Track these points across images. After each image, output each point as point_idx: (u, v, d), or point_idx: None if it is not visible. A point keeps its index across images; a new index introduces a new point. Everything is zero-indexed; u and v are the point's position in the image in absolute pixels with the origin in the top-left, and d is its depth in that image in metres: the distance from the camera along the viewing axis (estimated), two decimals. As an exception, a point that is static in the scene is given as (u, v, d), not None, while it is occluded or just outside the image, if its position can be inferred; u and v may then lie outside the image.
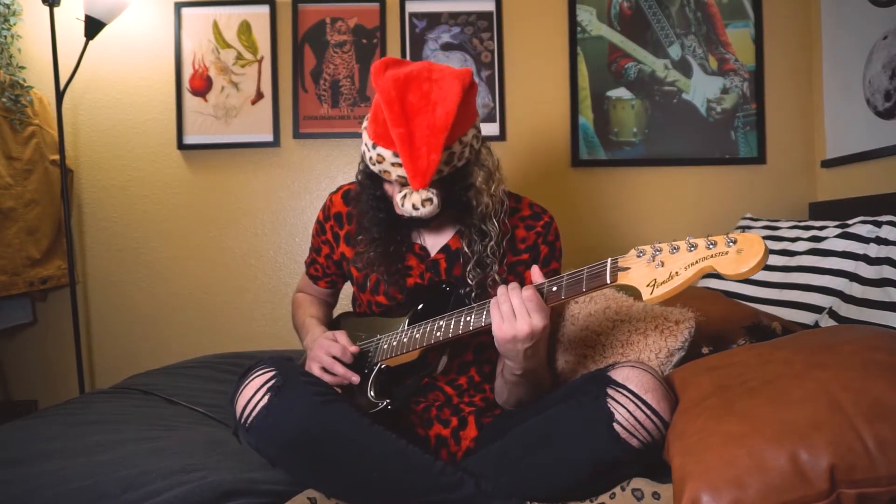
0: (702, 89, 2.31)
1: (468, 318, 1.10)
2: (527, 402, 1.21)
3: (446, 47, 2.31)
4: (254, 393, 1.03)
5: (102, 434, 1.31)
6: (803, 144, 2.33)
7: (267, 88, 2.31)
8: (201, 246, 2.35)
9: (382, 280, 1.27)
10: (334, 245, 1.38)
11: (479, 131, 1.20)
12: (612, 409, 0.97)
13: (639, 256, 0.92)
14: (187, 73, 2.30)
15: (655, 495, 0.96)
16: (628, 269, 0.92)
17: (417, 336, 1.17)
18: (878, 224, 1.54)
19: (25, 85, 2.16)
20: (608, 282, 0.94)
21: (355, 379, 1.18)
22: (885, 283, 1.43)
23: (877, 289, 1.44)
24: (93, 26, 2.07)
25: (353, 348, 1.20)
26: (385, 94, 1.06)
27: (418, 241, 1.29)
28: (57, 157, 2.20)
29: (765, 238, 1.89)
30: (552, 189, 2.31)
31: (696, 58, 2.32)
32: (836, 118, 2.19)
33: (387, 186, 1.20)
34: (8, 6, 2.15)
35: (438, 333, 1.13)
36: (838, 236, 1.62)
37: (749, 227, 2.03)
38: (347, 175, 1.39)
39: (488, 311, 1.06)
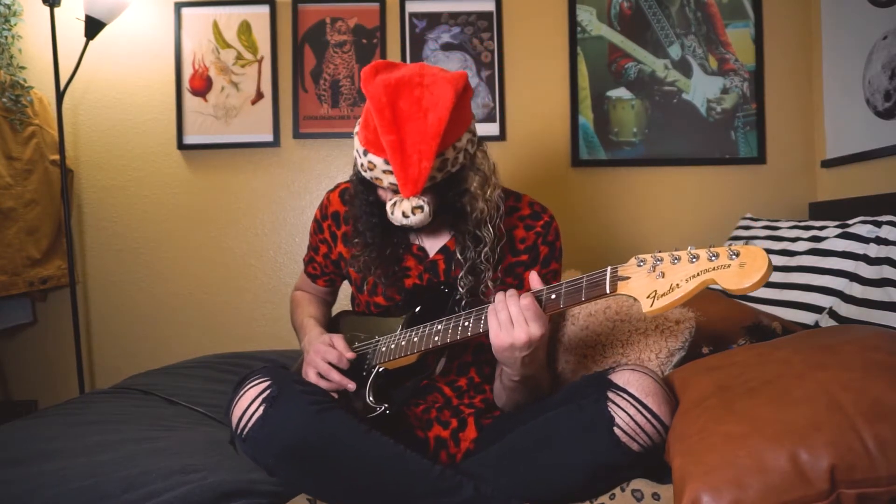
0: (702, 89, 2.31)
1: (466, 324, 1.09)
2: (526, 405, 1.21)
3: (446, 47, 2.31)
4: (249, 404, 1.02)
5: (102, 434, 1.31)
6: (803, 144, 2.33)
7: (267, 88, 2.31)
8: (201, 246, 2.35)
9: (380, 283, 1.26)
10: (332, 244, 1.38)
11: (475, 134, 1.18)
12: (612, 413, 0.96)
13: (639, 265, 0.91)
14: (187, 73, 2.30)
15: (655, 496, 0.96)
16: (628, 278, 0.91)
17: (416, 340, 1.16)
18: (878, 224, 1.54)
19: (26, 85, 2.16)
20: (607, 291, 0.93)
21: (351, 386, 1.17)
22: (885, 283, 1.43)
23: (877, 289, 1.44)
24: (93, 26, 2.07)
25: (350, 354, 1.19)
26: (375, 101, 1.05)
27: (416, 242, 1.29)
28: (57, 157, 2.20)
29: (765, 238, 1.89)
30: (552, 189, 2.30)
31: (696, 58, 2.32)
32: (836, 118, 2.19)
33: (380, 191, 1.19)
34: (8, 6, 2.15)
35: (436, 338, 1.13)
36: (838, 236, 1.62)
37: (749, 227, 2.03)
38: (347, 175, 1.38)
39: (486, 318, 1.05)
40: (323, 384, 1.18)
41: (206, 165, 2.34)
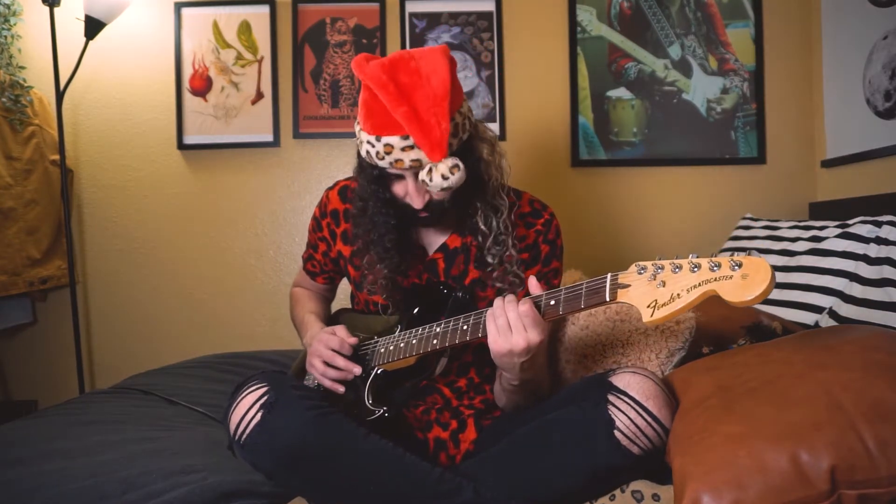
0: (702, 89, 2.31)
1: (465, 327, 1.09)
2: (526, 406, 1.21)
3: (446, 47, 2.31)
4: (247, 410, 1.02)
5: (102, 434, 1.31)
6: (803, 144, 2.33)
7: (267, 88, 2.31)
8: (201, 246, 2.35)
9: (381, 283, 1.24)
10: (331, 243, 1.37)
11: (470, 107, 1.19)
12: (612, 416, 0.96)
13: (640, 273, 0.89)
14: (187, 73, 2.30)
15: (655, 497, 0.96)
16: (628, 286, 0.90)
17: (414, 342, 1.15)
18: (878, 224, 1.54)
19: (25, 85, 2.16)
20: (607, 299, 0.91)
21: (357, 370, 1.17)
22: (886, 283, 1.43)
23: (877, 289, 1.44)
24: (93, 26, 2.07)
25: (352, 340, 1.19)
26: (376, 80, 1.05)
27: (415, 241, 1.28)
28: (57, 157, 2.20)
29: (765, 238, 1.89)
30: (552, 189, 2.30)
31: (696, 58, 2.32)
32: (836, 118, 2.19)
33: (396, 188, 1.17)
34: (8, 6, 2.15)
35: (435, 341, 1.12)
36: (838, 236, 1.62)
37: (749, 227, 2.03)
38: (347, 175, 1.38)
39: (485, 322, 1.04)
40: (331, 373, 1.18)
41: (206, 165, 2.34)
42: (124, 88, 2.32)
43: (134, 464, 1.12)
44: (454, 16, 2.31)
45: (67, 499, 1.03)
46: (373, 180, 1.18)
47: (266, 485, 1.07)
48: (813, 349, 0.97)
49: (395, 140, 1.08)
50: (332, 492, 1.02)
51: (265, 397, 1.02)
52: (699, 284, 0.82)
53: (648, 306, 0.86)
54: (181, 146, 2.31)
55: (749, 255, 0.81)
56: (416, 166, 1.09)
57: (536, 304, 1.02)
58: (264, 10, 2.30)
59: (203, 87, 2.31)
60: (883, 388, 0.84)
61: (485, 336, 1.04)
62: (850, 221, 1.62)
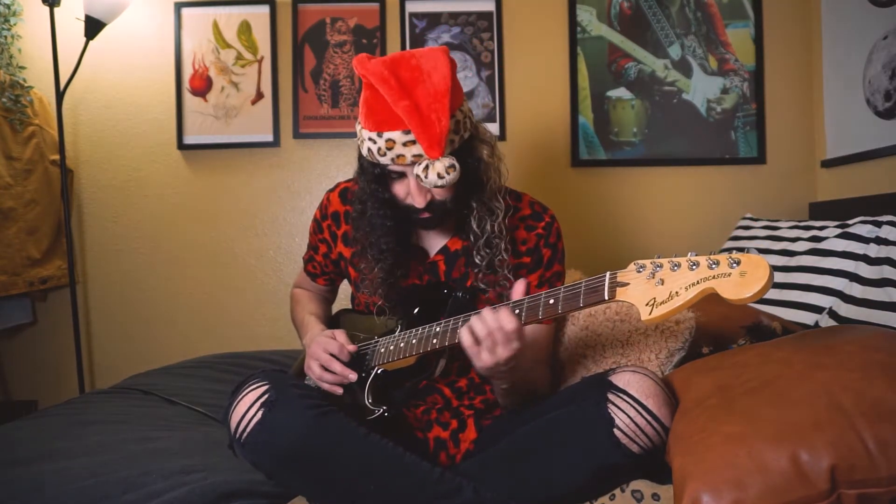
0: (702, 89, 2.31)
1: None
2: (526, 404, 1.21)
3: (446, 47, 2.31)
4: (247, 409, 1.02)
5: (102, 434, 1.31)
6: (803, 144, 2.33)
7: (267, 88, 2.31)
8: (201, 246, 2.35)
9: (382, 284, 1.24)
10: (332, 244, 1.37)
11: (470, 108, 1.19)
12: (612, 415, 0.96)
13: (638, 271, 0.89)
14: (187, 73, 2.30)
15: (655, 496, 0.96)
16: (627, 284, 0.89)
17: (414, 342, 1.15)
18: (878, 224, 1.54)
19: (25, 85, 2.16)
20: (606, 298, 0.91)
21: (352, 376, 1.17)
22: (886, 283, 1.43)
23: (877, 289, 1.44)
24: (93, 26, 2.07)
25: (351, 347, 1.19)
26: (378, 76, 1.06)
27: (416, 243, 1.28)
28: (57, 157, 2.20)
29: (764, 238, 1.89)
30: (552, 189, 2.30)
31: (696, 58, 2.32)
32: (836, 118, 2.19)
33: (396, 188, 1.16)
34: (8, 6, 2.15)
35: (434, 340, 1.12)
36: (838, 236, 1.62)
37: (749, 227, 2.03)
38: (347, 175, 1.37)
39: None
40: (327, 377, 1.17)
41: (206, 165, 2.34)
42: (124, 88, 2.32)
43: (134, 464, 1.13)
44: (454, 16, 2.31)
45: (67, 499, 1.03)
46: (373, 180, 1.17)
47: (266, 484, 1.07)
48: (813, 349, 0.97)
49: (396, 135, 1.08)
50: (332, 491, 1.02)
51: (266, 396, 1.03)
52: (697, 282, 0.82)
53: (647, 304, 0.86)
54: (181, 146, 2.31)
55: (747, 252, 0.81)
56: (418, 161, 1.09)
57: (531, 304, 1.00)
58: (264, 10, 2.30)
59: (203, 87, 2.31)
60: (883, 388, 0.84)
61: None
62: (850, 221, 1.62)
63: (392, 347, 1.19)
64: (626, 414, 0.96)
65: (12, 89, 2.10)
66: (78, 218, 2.34)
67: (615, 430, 0.95)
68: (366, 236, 1.22)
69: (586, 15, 2.31)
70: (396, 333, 1.21)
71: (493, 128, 2.29)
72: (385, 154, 1.10)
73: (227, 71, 2.31)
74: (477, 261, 1.19)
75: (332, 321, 1.45)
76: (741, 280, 0.79)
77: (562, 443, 1.00)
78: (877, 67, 1.94)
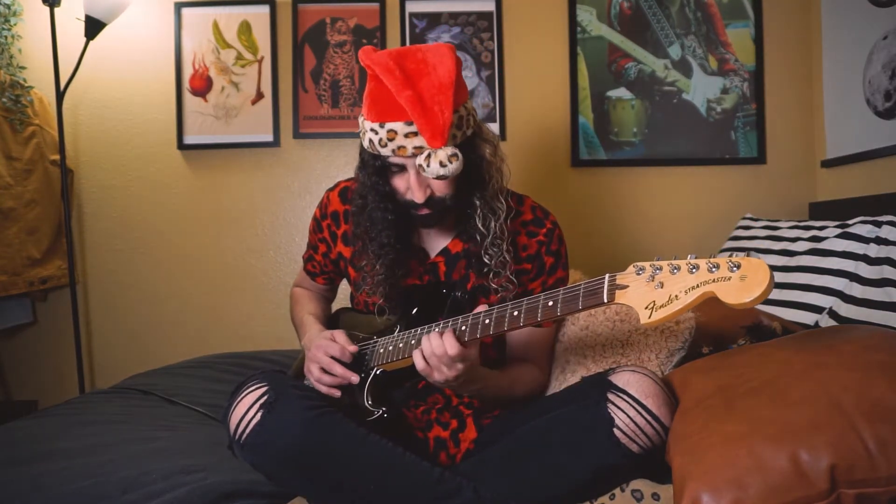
0: (702, 89, 2.31)
1: (463, 328, 1.07)
2: (517, 404, 1.21)
3: (446, 47, 2.31)
4: (247, 410, 1.02)
5: (102, 434, 1.31)
6: (803, 144, 2.33)
7: (267, 88, 2.31)
8: (201, 246, 2.35)
9: (382, 283, 1.23)
10: (331, 244, 1.37)
11: (474, 107, 1.19)
12: (612, 415, 0.96)
13: (638, 274, 0.88)
14: (187, 73, 2.30)
15: (655, 496, 0.96)
16: (626, 287, 0.89)
17: (413, 342, 1.15)
18: (878, 224, 1.54)
19: (26, 85, 2.16)
20: (605, 300, 0.90)
21: (354, 379, 1.16)
22: (886, 283, 1.43)
23: (877, 289, 1.44)
24: (93, 26, 2.07)
25: (352, 348, 1.18)
26: (383, 66, 1.06)
27: (417, 243, 1.28)
28: (57, 157, 2.20)
29: (764, 238, 1.89)
30: (552, 189, 2.30)
31: (696, 58, 2.32)
32: (836, 118, 2.19)
33: (396, 182, 1.16)
34: (8, 6, 2.15)
35: None
36: (838, 236, 1.61)
37: (749, 227, 2.03)
38: (347, 175, 1.37)
39: (482, 323, 1.04)
40: (326, 379, 1.17)
41: (206, 165, 2.34)
42: (124, 88, 2.32)
43: (134, 464, 1.12)
44: (454, 16, 2.31)
45: (67, 499, 1.03)
46: (374, 172, 1.17)
47: (266, 485, 1.07)
48: (813, 349, 0.97)
49: (398, 126, 1.07)
50: (332, 491, 1.02)
51: (265, 397, 1.02)
52: (697, 286, 0.81)
53: (646, 308, 0.85)
54: (181, 146, 2.31)
55: (748, 256, 0.81)
56: (419, 154, 1.08)
57: (533, 306, 0.99)
58: (264, 10, 2.30)
59: (203, 87, 2.31)
60: (883, 388, 0.84)
61: (484, 336, 1.04)
62: (850, 221, 1.62)
63: (391, 348, 1.18)
64: (625, 414, 0.96)
65: (12, 89, 2.10)
66: (78, 218, 2.34)
67: (615, 430, 0.95)
68: (366, 231, 1.22)
69: (586, 15, 2.31)
70: (395, 334, 1.20)
71: (493, 128, 2.29)
72: (386, 145, 1.10)
73: (227, 71, 2.31)
74: (486, 260, 1.19)
75: (331, 320, 1.45)
76: (741, 284, 0.78)
77: (561, 442, 1.00)
78: (877, 67, 1.94)
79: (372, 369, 1.20)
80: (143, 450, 1.21)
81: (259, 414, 1.01)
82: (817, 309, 1.56)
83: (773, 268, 1.74)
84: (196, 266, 2.35)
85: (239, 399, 1.04)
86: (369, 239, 1.22)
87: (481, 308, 1.05)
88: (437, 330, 1.06)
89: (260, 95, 2.32)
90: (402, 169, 1.14)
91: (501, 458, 1.05)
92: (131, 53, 2.31)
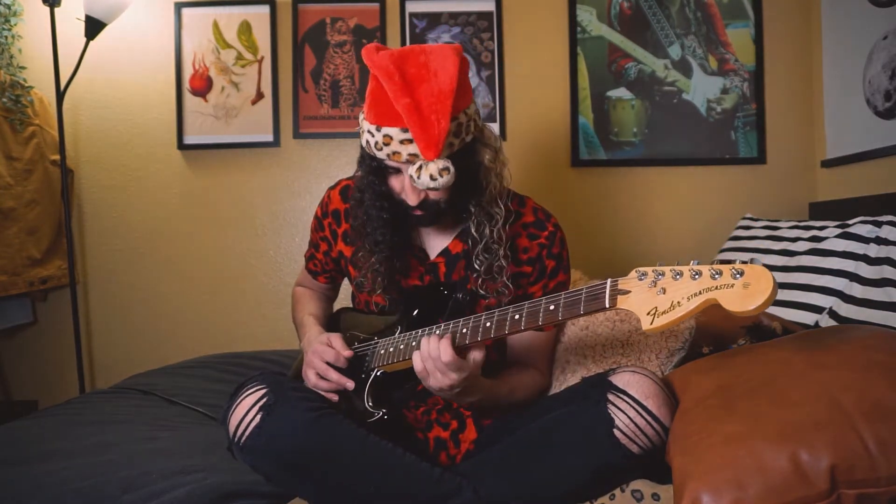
0: (702, 89, 2.31)
1: (464, 331, 1.07)
2: (518, 407, 1.21)
3: (446, 47, 2.31)
4: (246, 412, 1.02)
5: (102, 434, 1.31)
6: (803, 144, 2.33)
7: (267, 88, 2.31)
8: (201, 246, 2.35)
9: (381, 283, 1.23)
10: (332, 242, 1.37)
11: (478, 110, 1.18)
12: (612, 415, 0.96)
13: (640, 279, 0.88)
14: (187, 73, 2.30)
15: (655, 496, 0.96)
16: (628, 292, 0.88)
17: (413, 344, 1.14)
18: (879, 224, 1.54)
19: (26, 85, 2.16)
20: (607, 305, 0.90)
21: (349, 385, 1.16)
22: (886, 283, 1.43)
23: (877, 289, 1.44)
24: (93, 26, 2.07)
25: (348, 353, 1.18)
26: (383, 70, 1.04)
27: (417, 244, 1.28)
28: (57, 157, 2.20)
29: (765, 238, 1.89)
30: (552, 189, 2.30)
31: (696, 58, 2.32)
32: (836, 118, 2.19)
33: (392, 182, 1.16)
34: (8, 6, 2.15)
35: None
36: (838, 236, 1.61)
37: (749, 228, 2.03)
38: (347, 175, 1.37)
39: (483, 326, 1.04)
40: (322, 385, 1.17)
41: (207, 165, 2.34)
42: (124, 88, 2.32)
43: (134, 464, 1.12)
44: (454, 16, 2.31)
45: (67, 499, 1.03)
46: (371, 171, 1.17)
47: (266, 485, 1.07)
48: (813, 349, 0.97)
49: (394, 132, 1.07)
50: (332, 493, 1.02)
51: (264, 399, 1.02)
52: (700, 292, 0.81)
53: (648, 313, 0.85)
54: (181, 146, 2.31)
55: (752, 262, 0.80)
56: (414, 161, 1.08)
57: (535, 309, 0.99)
58: (264, 10, 2.30)
59: (203, 87, 2.31)
60: (883, 388, 0.84)
61: (485, 339, 1.04)
62: (850, 221, 1.62)
63: (392, 349, 1.18)
64: (625, 414, 0.96)
65: (12, 89, 2.10)
66: (78, 218, 2.34)
67: (615, 431, 0.95)
68: (362, 225, 1.22)
69: (586, 15, 2.31)
70: (396, 335, 1.20)
71: (493, 128, 2.28)
72: (381, 149, 1.09)
73: (227, 71, 2.31)
74: (476, 265, 1.18)
75: (332, 319, 1.45)
76: (744, 292, 0.78)
77: (561, 443, 1.00)
78: (877, 67, 1.94)
79: (372, 370, 1.20)
80: (143, 450, 1.21)
81: (258, 416, 1.01)
82: (817, 309, 1.56)
83: (774, 268, 1.75)
84: (196, 266, 2.35)
85: (238, 401, 1.04)
86: (365, 234, 1.22)
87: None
88: (437, 333, 1.05)
89: (260, 95, 2.32)
90: (398, 171, 1.14)
91: (501, 458, 1.05)
92: (131, 53, 2.31)
